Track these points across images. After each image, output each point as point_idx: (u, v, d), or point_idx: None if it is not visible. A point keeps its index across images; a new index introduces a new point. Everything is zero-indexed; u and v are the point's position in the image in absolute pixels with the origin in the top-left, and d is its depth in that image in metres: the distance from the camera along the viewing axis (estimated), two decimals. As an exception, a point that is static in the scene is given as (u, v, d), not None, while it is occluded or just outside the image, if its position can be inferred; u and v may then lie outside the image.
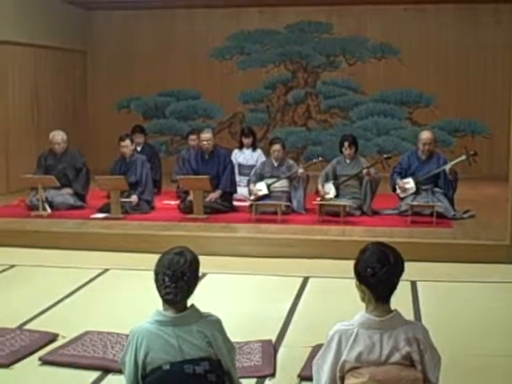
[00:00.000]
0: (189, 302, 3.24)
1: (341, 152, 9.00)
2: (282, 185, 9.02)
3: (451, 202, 8.73)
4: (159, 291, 3.19)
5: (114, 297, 6.25)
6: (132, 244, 7.77)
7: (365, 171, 8.71)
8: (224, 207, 9.03)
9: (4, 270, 7.11)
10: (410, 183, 8.73)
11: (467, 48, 12.58)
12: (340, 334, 3.12)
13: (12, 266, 7.24)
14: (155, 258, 3.29)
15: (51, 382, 4.43)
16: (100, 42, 13.51)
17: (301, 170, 8.94)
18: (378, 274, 3.07)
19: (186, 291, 3.18)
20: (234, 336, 3.54)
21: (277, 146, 9.11)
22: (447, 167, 8.68)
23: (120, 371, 3.59)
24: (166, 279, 3.15)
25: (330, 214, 8.48)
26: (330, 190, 8.81)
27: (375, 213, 8.77)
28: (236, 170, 9.75)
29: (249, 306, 5.92)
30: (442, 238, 7.69)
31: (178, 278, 3.14)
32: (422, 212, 8.45)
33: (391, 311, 3.14)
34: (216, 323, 3.28)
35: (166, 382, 3.14)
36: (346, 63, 13.07)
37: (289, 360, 4.67)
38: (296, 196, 8.95)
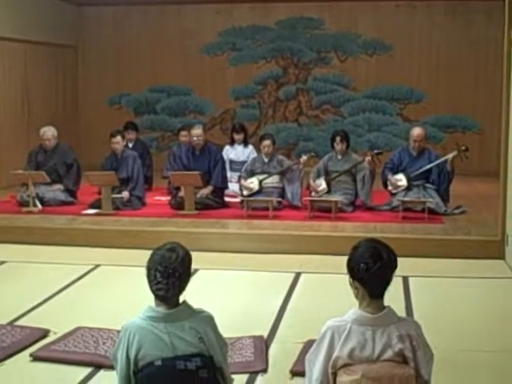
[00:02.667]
0: (181, 298, 3.24)
1: (332, 147, 9.00)
2: (273, 180, 9.02)
3: (446, 194, 8.75)
4: (151, 287, 3.18)
5: (106, 293, 6.24)
6: (123, 240, 7.76)
7: (368, 159, 8.72)
8: (215, 203, 9.02)
9: (-5, 266, 7.10)
10: (402, 180, 8.73)
11: (458, 44, 12.58)
12: (333, 330, 3.11)
13: (3, 262, 7.22)
14: (146, 253, 3.28)
15: (42, 378, 4.41)
16: (91, 38, 13.48)
17: (304, 157, 8.96)
18: (371, 270, 3.06)
19: (178, 287, 3.16)
20: (225, 332, 3.53)
21: (267, 142, 9.11)
22: (449, 157, 8.67)
23: (112, 367, 3.59)
24: (158, 275, 3.14)
25: (322, 210, 8.49)
26: (321, 183, 8.82)
27: (367, 208, 8.79)
28: (227, 166, 9.74)
29: (240, 302, 5.92)
30: (433, 233, 7.71)
31: (169, 274, 3.13)
32: (413, 208, 8.47)
33: (384, 308, 3.14)
34: (208, 319, 3.27)
35: (157, 377, 3.13)
36: (337, 59, 13.07)
37: (281, 355, 4.67)
38: (290, 189, 8.94)
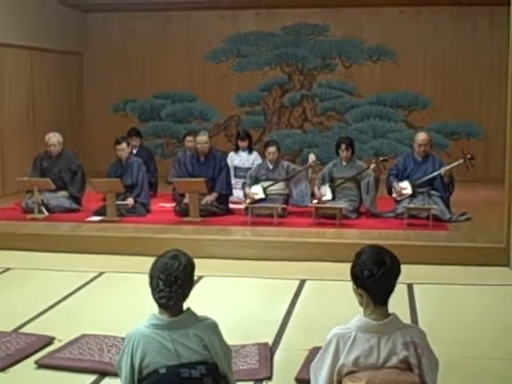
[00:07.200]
0: (185, 306, 3.23)
1: (337, 154, 9.00)
2: (278, 187, 9.01)
3: (447, 204, 8.73)
4: (153, 295, 3.17)
5: (110, 300, 6.24)
6: (127, 247, 7.75)
7: (373, 166, 8.73)
8: (220, 210, 9.02)
9: (-1, 273, 7.11)
10: (407, 189, 8.71)
11: (463, 50, 12.56)
12: (338, 337, 3.11)
13: (7, 269, 7.22)
14: (151, 260, 3.28)
15: (47, 386, 4.41)
16: (96, 44, 13.49)
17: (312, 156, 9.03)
18: (375, 277, 3.06)
19: (180, 295, 3.16)
20: (230, 339, 3.53)
21: (272, 149, 9.10)
22: (442, 171, 8.67)
23: (116, 374, 3.57)
24: (160, 283, 3.13)
25: (326, 217, 8.48)
26: (326, 192, 8.81)
27: (372, 215, 8.77)
28: (232, 173, 9.74)
29: (245, 309, 5.91)
30: (438, 240, 7.69)
31: (171, 283, 3.12)
32: (418, 215, 8.45)
33: (389, 315, 3.13)
34: (212, 326, 3.27)
35: (162, 385, 3.13)
36: (341, 65, 13.06)
37: (286, 363, 4.66)
38: (297, 190, 8.93)
